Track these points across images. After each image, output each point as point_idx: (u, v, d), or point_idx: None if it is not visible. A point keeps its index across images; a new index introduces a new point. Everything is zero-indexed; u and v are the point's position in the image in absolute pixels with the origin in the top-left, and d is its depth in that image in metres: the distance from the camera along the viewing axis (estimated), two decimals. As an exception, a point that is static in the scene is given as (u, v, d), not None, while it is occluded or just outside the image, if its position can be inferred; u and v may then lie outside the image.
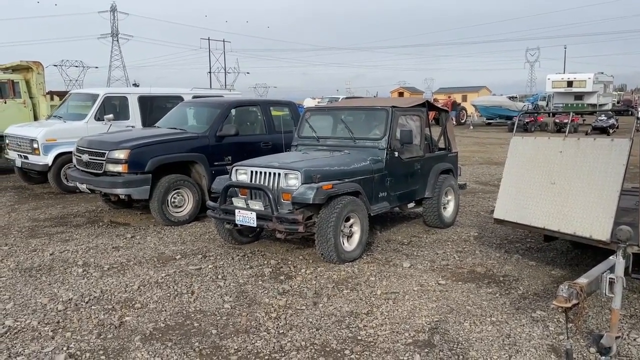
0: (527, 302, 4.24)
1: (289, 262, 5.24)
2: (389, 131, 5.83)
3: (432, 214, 6.52)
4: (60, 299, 4.27)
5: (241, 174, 5.49)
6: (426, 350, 3.44)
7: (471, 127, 31.10)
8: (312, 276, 4.83)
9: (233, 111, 7.89)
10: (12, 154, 9.64)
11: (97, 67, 73.07)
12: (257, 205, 5.18)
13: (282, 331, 3.71)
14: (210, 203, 5.66)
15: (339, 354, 3.39)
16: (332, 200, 5.03)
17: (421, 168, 6.38)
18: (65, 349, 3.42)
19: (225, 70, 66.21)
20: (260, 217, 5.09)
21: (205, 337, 3.62)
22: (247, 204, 5.26)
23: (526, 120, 25.31)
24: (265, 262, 5.27)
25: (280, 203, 5.10)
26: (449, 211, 6.81)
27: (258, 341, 3.56)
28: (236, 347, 3.46)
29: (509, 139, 5.10)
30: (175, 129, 7.52)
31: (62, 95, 13.49)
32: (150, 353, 3.38)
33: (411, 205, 6.48)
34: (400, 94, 37.83)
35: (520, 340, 3.57)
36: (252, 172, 5.38)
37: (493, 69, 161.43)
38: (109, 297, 4.35)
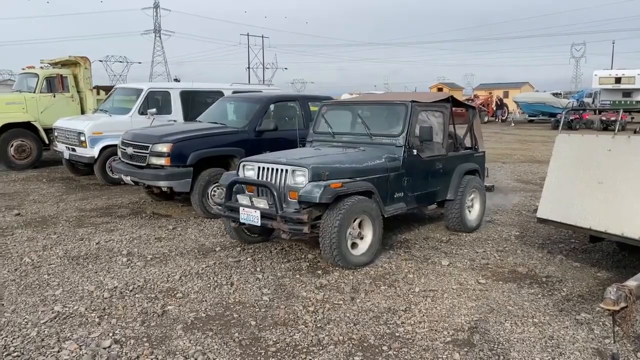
0: (571, 304, 4.13)
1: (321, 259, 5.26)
2: (407, 127, 5.49)
3: (454, 217, 6.11)
4: (106, 287, 4.42)
5: (249, 169, 5.21)
6: (465, 349, 3.40)
7: (512, 124, 30.40)
8: (349, 271, 4.83)
9: (272, 106, 7.97)
10: (60, 146, 10.00)
11: (140, 63, 75.30)
12: (262, 203, 4.89)
13: (319, 325, 3.73)
14: (217, 200, 5.57)
15: (376, 350, 3.39)
16: (341, 200, 4.72)
17: (443, 168, 5.99)
18: (111, 335, 3.54)
19: (263, 65, 66.74)
20: (264, 215, 4.82)
21: (244, 328, 3.68)
22: (252, 202, 4.99)
23: (571, 118, 24.55)
24: (303, 256, 5.30)
25: (287, 201, 4.85)
26: (473, 215, 6.39)
27: (296, 334, 3.59)
28: (275, 339, 3.51)
29: (552, 136, 4.98)
30: (215, 123, 7.64)
31: (107, 89, 13.91)
32: (191, 342, 3.46)
33: (432, 207, 6.21)
34: (440, 90, 37.31)
35: (564, 343, 3.48)
36: (259, 167, 5.10)
37: (536, 65, 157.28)
38: (152, 286, 4.48)
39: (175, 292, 4.33)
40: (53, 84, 11.75)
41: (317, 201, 4.54)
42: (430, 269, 4.95)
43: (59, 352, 3.29)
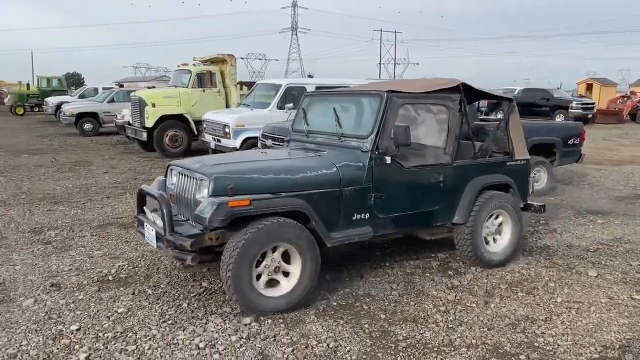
0: None
1: (459, 258, 5.10)
2: (378, 127, 4.13)
3: (465, 247, 4.69)
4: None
5: (174, 175, 4.30)
6: (616, 369, 3.10)
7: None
8: (483, 274, 4.65)
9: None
10: (207, 137, 10.92)
11: (277, 60, 78.94)
12: (159, 219, 3.84)
13: (451, 326, 3.64)
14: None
15: (513, 358, 3.22)
16: (250, 223, 3.59)
17: (446, 181, 4.52)
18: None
19: (395, 61, 66.46)
20: (159, 236, 3.82)
21: (374, 320, 3.72)
22: (152, 218, 4.08)
23: None
24: (433, 255, 5.20)
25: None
26: (499, 244, 4.86)
27: (426, 332, 3.55)
28: (405, 335, 3.50)
29: None
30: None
31: (249, 85, 14.86)
32: (323, 327, 3.59)
33: (438, 231, 4.74)
34: (589, 86, 33.99)
35: None
36: (179, 173, 4.20)
37: None
38: (287, 271, 4.70)
39: (308, 279, 4.49)
40: (203, 80, 12.82)
41: (207, 223, 3.51)
42: (575, 279, 4.57)
43: (206, 324, 3.60)
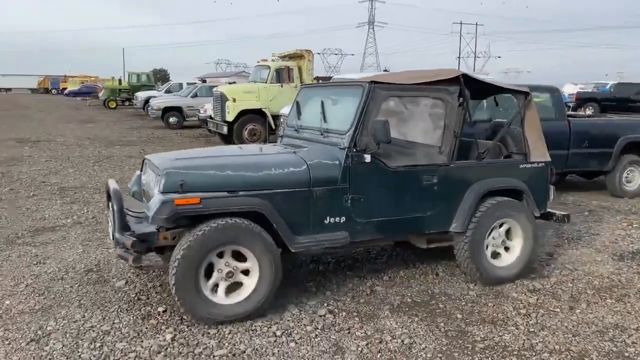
0: None
1: (542, 260, 4.89)
2: (357, 122, 3.74)
3: (463, 259, 4.19)
4: (321, 261, 4.81)
5: (148, 169, 4.11)
6: None
7: None
8: (568, 278, 4.42)
9: (487, 96, 7.63)
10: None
11: (352, 55, 79.14)
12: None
13: (532, 330, 3.50)
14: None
15: (600, 368, 3.05)
16: (202, 223, 3.37)
17: (441, 183, 4.04)
18: (325, 305, 3.85)
19: (475, 54, 64.40)
20: (114, 235, 3.55)
21: (450, 319, 3.66)
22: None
23: None
24: (514, 255, 5.01)
25: None
26: (508, 259, 4.32)
27: (506, 334, 3.43)
28: (482, 336, 3.41)
29: None
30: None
31: (325, 80, 14.99)
32: (398, 323, 3.57)
33: (436, 239, 4.25)
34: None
35: None
36: (148, 167, 4.06)
37: None
38: (360, 265, 4.72)
39: (381, 275, 4.48)
40: (281, 75, 13.11)
41: (149, 222, 3.37)
42: (672, 288, 4.24)
43: (282, 312, 3.70)
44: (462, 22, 63.08)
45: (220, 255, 3.44)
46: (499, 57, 69.34)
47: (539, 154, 4.45)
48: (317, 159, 3.78)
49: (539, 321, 3.64)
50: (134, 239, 3.31)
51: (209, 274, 3.45)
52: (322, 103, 4.21)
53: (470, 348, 3.27)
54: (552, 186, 4.61)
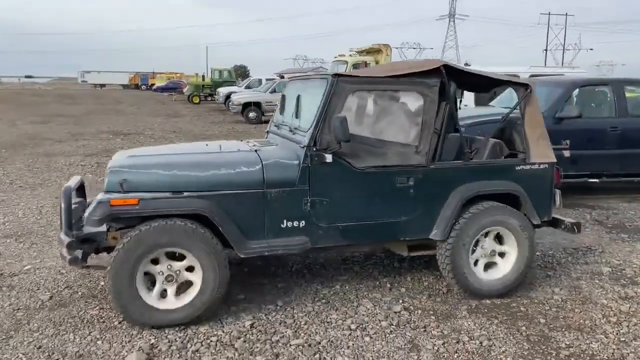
0: None
1: (635, 266, 4.56)
2: (318, 118, 3.45)
3: (445, 269, 3.81)
4: (396, 257, 4.77)
5: None
6: None
7: None
8: (665, 287, 4.10)
9: (576, 91, 7.23)
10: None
11: (432, 49, 77.35)
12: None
13: (623, 339, 3.29)
14: None
15: (702, 386, 2.81)
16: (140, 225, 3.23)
17: (419, 186, 3.66)
18: (400, 301, 3.82)
19: (564, 46, 60.81)
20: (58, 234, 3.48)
21: (532, 323, 3.51)
22: None
23: None
24: (604, 260, 4.72)
25: None
26: (499, 271, 3.89)
27: (593, 343, 3.25)
28: (567, 343, 3.24)
29: None
30: (508, 108, 7.33)
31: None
32: (476, 325, 3.48)
33: (417, 246, 3.90)
34: None
35: None
36: None
37: None
38: (436, 264, 4.61)
39: (460, 274, 4.37)
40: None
41: (84, 223, 3.27)
42: None
43: (357, 307, 3.72)
44: (551, 13, 59.71)
45: (156, 261, 3.30)
46: (591, 49, 64.79)
47: (541, 154, 3.95)
48: (274, 158, 3.54)
49: (631, 330, 3.41)
50: (72, 239, 3.18)
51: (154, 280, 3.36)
52: (298, 98, 4.00)
53: (554, 354, 3.12)
54: (558, 190, 4.10)
